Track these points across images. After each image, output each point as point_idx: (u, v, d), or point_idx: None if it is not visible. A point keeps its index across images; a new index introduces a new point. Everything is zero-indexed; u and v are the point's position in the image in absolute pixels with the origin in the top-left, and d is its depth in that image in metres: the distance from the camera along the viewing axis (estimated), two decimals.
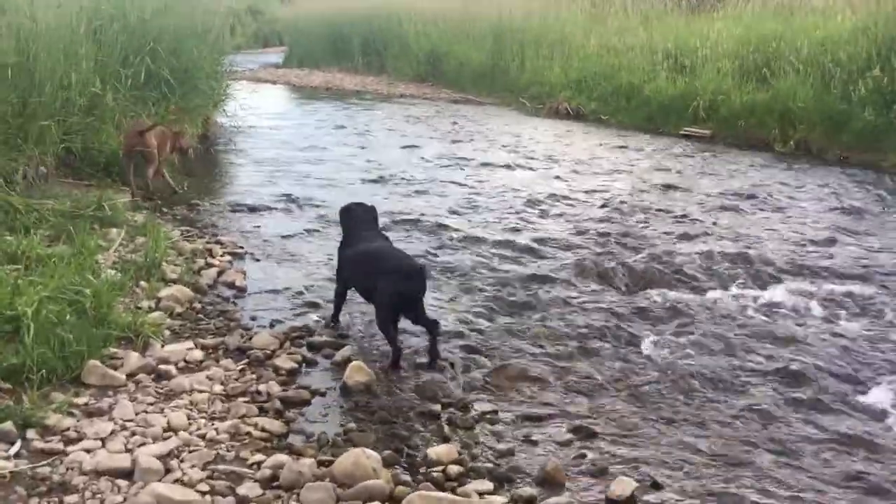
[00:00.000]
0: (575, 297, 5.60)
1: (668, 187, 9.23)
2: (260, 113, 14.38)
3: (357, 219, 5.11)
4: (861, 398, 4.27)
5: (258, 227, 7.26)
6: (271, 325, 4.97)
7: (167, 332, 4.67)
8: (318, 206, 8.06)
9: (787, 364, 4.57)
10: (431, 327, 4.46)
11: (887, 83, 10.59)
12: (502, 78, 18.53)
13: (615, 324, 5.13)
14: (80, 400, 3.78)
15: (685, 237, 7.20)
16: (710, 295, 5.75)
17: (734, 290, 5.88)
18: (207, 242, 6.62)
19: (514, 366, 4.47)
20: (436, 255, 6.44)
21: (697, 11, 17.80)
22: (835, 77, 11.42)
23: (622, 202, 8.44)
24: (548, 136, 12.96)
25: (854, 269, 6.31)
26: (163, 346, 4.47)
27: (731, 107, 12.69)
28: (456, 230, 7.18)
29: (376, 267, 4.60)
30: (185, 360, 4.31)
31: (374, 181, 9.37)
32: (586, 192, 8.94)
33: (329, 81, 22.69)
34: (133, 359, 4.20)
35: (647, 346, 4.81)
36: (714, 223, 7.74)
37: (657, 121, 13.78)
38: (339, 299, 5.02)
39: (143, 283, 5.32)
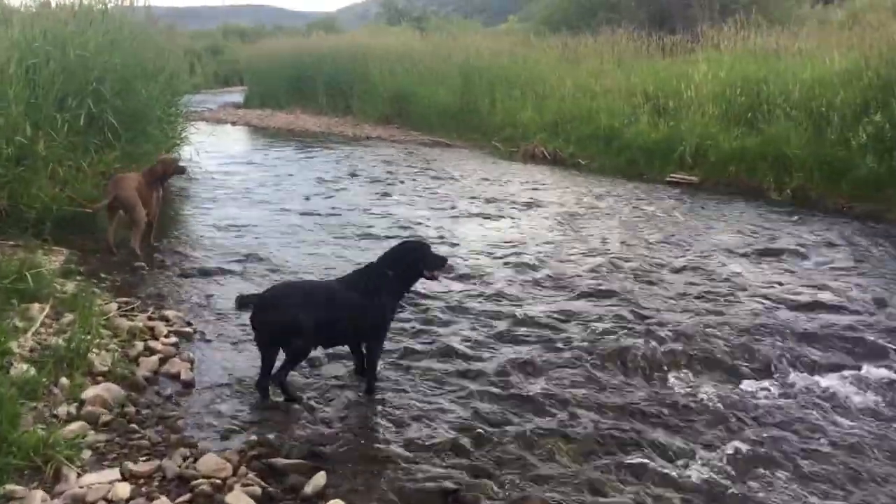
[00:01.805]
0: (591, 390, 4.67)
1: (663, 242, 8.39)
2: (218, 157, 13.46)
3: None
4: None
5: (211, 296, 6.24)
6: (223, 437, 3.97)
7: (88, 453, 3.66)
8: (280, 269, 7.08)
9: None
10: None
11: (888, 129, 9.96)
12: (473, 120, 17.78)
13: (647, 428, 4.21)
14: None
15: (696, 302, 6.33)
16: (746, 385, 4.85)
17: (768, 376, 5.01)
18: (150, 317, 5.60)
19: (534, 498, 3.51)
20: (417, 334, 5.47)
21: (671, 54, 17.33)
22: (831, 122, 10.79)
23: (617, 259, 7.58)
24: (526, 184, 12.13)
25: None
26: (80, 475, 3.45)
27: (719, 152, 12.01)
28: (437, 298, 6.23)
29: None
30: (107, 500, 3.30)
31: (343, 237, 8.43)
32: (578, 249, 8.05)
33: (292, 123, 21.81)
34: (36, 502, 3.18)
35: (694, 467, 3.87)
36: (727, 281, 6.91)
37: (640, 166, 13.05)
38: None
39: (63, 379, 4.30)
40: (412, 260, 4.60)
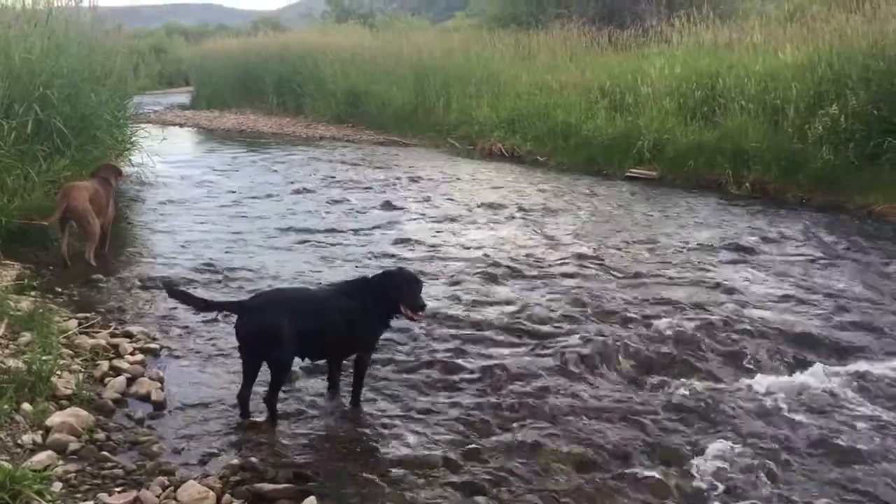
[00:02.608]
0: (578, 396, 4.58)
1: (630, 240, 8.35)
2: (169, 161, 13.06)
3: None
4: None
5: (175, 308, 5.94)
6: (202, 462, 3.77)
7: (58, 486, 3.43)
8: (245, 277, 6.85)
9: None
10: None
11: (843, 121, 10.11)
12: (427, 118, 17.64)
13: (639, 434, 4.13)
14: None
15: (671, 302, 6.27)
16: (730, 385, 4.81)
17: (756, 373, 4.98)
18: (113, 334, 5.33)
19: None
20: (397, 343, 5.31)
21: (623, 49, 17.43)
22: (787, 115, 10.92)
23: (587, 260, 7.52)
24: (487, 182, 12.06)
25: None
26: None
27: (677, 146, 12.09)
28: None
29: None
30: None
31: (304, 242, 8.21)
32: (546, 250, 7.94)
33: (242, 123, 21.41)
34: None
35: (690, 474, 3.79)
36: (697, 278, 6.89)
37: (599, 162, 13.08)
38: None
39: (25, 405, 4.05)
40: (410, 291, 4.39)
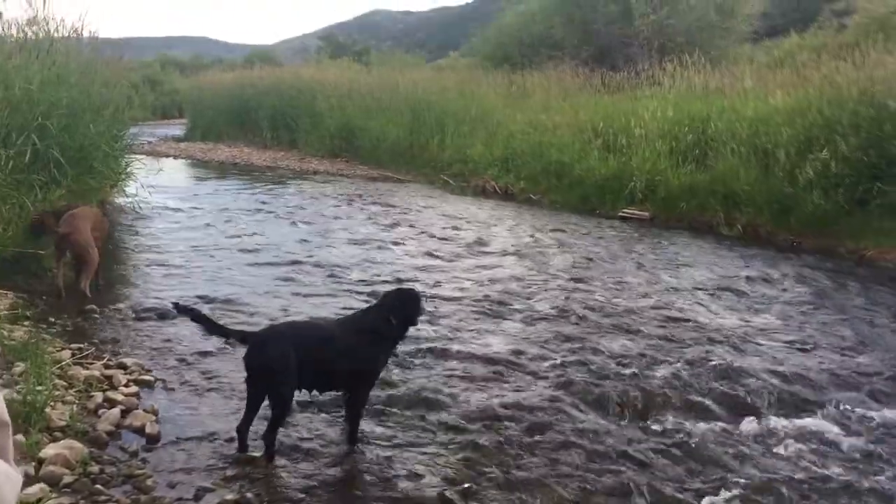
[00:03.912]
0: (573, 435, 4.56)
1: (623, 280, 8.38)
2: (164, 193, 13.08)
3: None
4: None
5: (169, 340, 5.95)
6: (197, 497, 3.73)
7: None
8: (239, 310, 6.83)
9: None
10: None
11: (834, 166, 10.25)
12: (422, 154, 17.77)
13: (634, 475, 4.12)
14: None
15: (664, 343, 6.30)
16: (725, 426, 4.81)
17: (752, 416, 4.98)
18: (106, 365, 5.30)
19: None
20: (392, 380, 5.29)
21: (616, 91, 17.66)
22: (778, 159, 11.05)
23: (581, 299, 7.53)
24: (481, 220, 12.11)
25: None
26: None
27: (669, 188, 12.21)
28: (415, 342, 6.04)
29: None
30: None
31: (294, 275, 8.18)
32: (539, 288, 7.95)
33: (236, 156, 21.49)
34: None
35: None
36: (690, 320, 6.91)
37: (593, 201, 13.18)
38: None
39: (19, 436, 4.00)
40: (413, 310, 4.43)
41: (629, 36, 23.33)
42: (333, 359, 4.18)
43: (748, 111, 12.63)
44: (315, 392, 4.42)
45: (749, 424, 4.82)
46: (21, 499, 3.42)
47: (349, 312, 4.88)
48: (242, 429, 4.16)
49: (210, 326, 4.28)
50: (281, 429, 4.23)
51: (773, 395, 5.24)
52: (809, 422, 4.83)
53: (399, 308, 4.36)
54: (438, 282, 8.13)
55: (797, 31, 26.49)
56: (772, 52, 23.17)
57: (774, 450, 4.50)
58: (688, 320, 6.99)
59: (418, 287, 7.76)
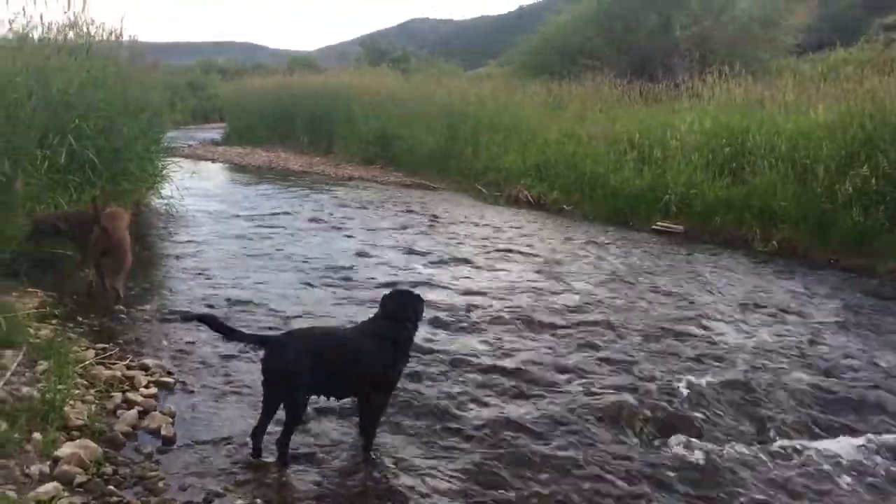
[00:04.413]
0: (589, 451, 4.48)
1: (654, 294, 8.22)
2: (199, 196, 13.24)
3: None
4: None
5: (193, 343, 5.98)
6: (207, 500, 3.73)
7: None
8: (267, 315, 6.85)
9: None
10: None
11: (874, 182, 10.00)
12: (456, 163, 17.73)
13: (652, 494, 4.02)
14: None
15: (692, 360, 6.17)
16: (750, 448, 4.68)
17: (770, 439, 4.85)
18: (128, 366, 5.34)
19: None
20: (408, 390, 5.23)
21: (654, 102, 17.49)
22: (816, 175, 10.81)
23: (608, 313, 7.40)
24: (512, 229, 12.03)
25: None
26: None
27: (705, 202, 12.01)
28: (437, 351, 6.01)
29: None
30: None
31: (330, 284, 8.18)
32: (568, 300, 7.82)
33: (273, 161, 21.68)
34: None
35: None
36: (720, 337, 6.76)
37: (626, 213, 13.02)
38: None
39: (36, 434, 4.04)
40: (419, 312, 4.43)
41: (669, 47, 23.12)
42: (349, 364, 4.16)
43: (788, 124, 12.39)
44: (332, 398, 4.41)
45: (775, 446, 4.69)
46: (34, 497, 3.45)
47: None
48: (257, 433, 4.16)
49: (227, 332, 4.28)
50: (296, 436, 4.21)
51: (801, 417, 5.11)
52: (839, 446, 4.68)
53: (412, 311, 4.35)
54: (467, 290, 8.08)
55: (844, 45, 26.07)
56: (816, 65, 22.76)
57: (800, 473, 4.37)
58: (717, 337, 6.84)
59: (444, 296, 7.77)
